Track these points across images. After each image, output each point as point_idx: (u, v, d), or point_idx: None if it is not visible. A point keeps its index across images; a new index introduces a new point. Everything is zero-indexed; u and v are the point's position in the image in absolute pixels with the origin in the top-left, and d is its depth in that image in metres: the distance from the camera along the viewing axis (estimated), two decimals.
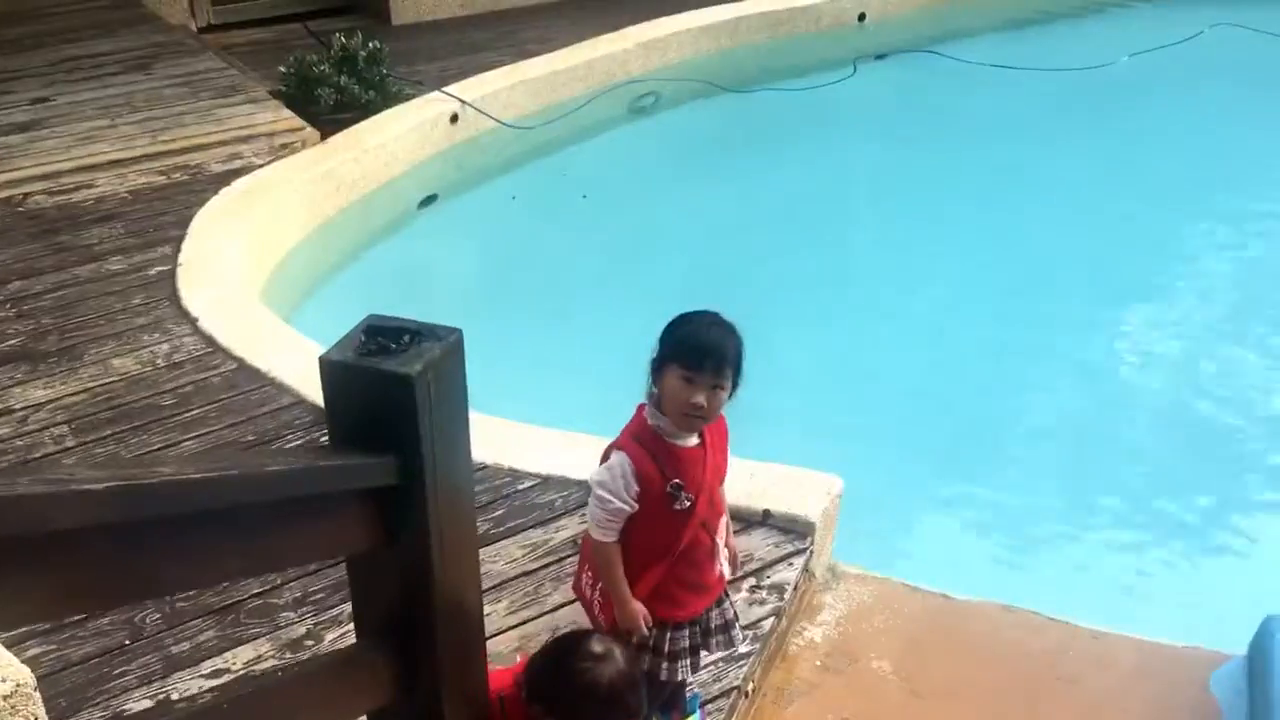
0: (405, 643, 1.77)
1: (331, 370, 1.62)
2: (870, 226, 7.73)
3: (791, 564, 3.69)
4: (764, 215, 7.60)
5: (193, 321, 4.84)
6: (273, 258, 5.94)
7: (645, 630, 2.61)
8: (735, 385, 2.47)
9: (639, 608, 2.59)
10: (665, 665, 2.72)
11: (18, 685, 2.10)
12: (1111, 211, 7.64)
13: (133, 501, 1.15)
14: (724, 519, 2.85)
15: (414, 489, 1.65)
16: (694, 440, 2.58)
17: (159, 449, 4.04)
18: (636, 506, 2.52)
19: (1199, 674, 3.66)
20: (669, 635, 2.71)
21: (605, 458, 2.63)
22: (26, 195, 5.97)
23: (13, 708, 2.07)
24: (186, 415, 4.23)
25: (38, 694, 2.20)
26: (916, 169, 8.32)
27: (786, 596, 3.57)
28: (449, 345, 1.67)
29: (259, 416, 4.23)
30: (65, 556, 1.13)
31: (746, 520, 3.81)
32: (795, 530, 3.80)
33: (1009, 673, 3.67)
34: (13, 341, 4.70)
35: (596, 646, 2.23)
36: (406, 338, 1.67)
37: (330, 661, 2.00)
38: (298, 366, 4.52)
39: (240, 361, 4.56)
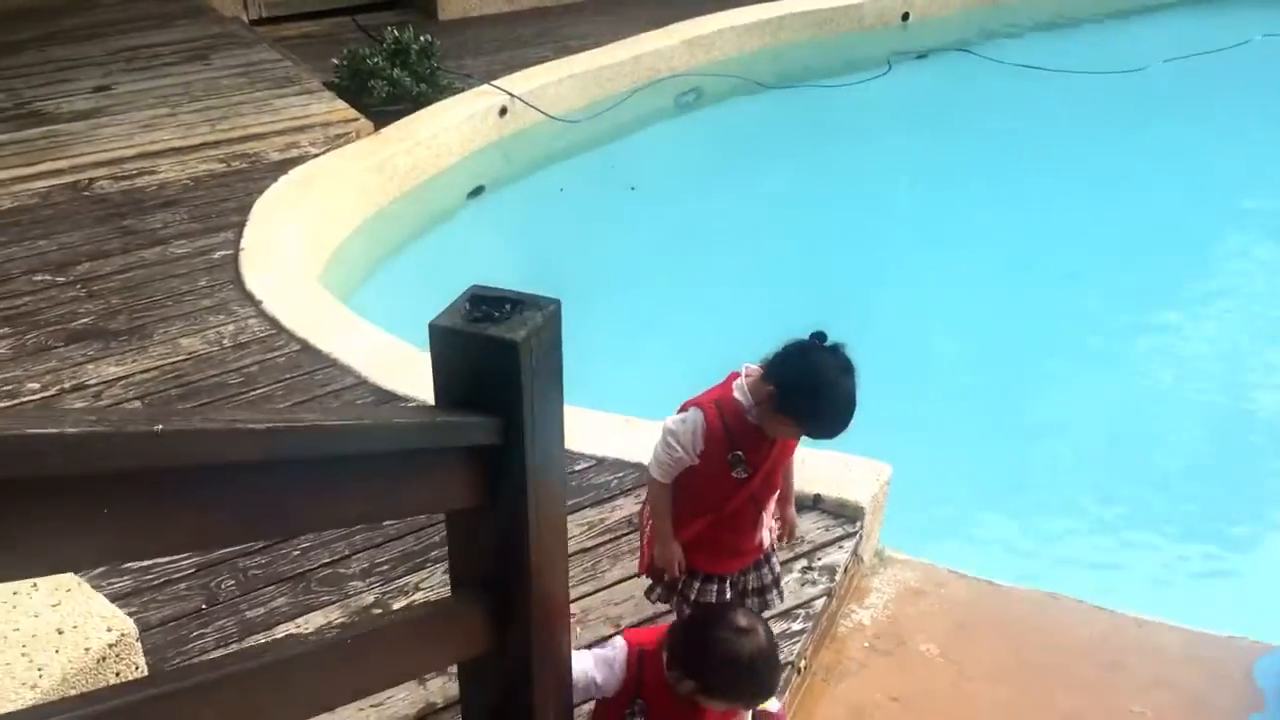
0: (499, 596, 1.86)
1: (441, 335, 1.71)
2: (911, 221, 7.77)
3: (841, 547, 3.76)
4: (806, 208, 7.68)
5: (257, 304, 4.96)
6: (330, 244, 6.06)
7: (676, 571, 2.74)
8: None
9: (676, 550, 2.72)
10: (687, 610, 2.83)
11: (122, 635, 2.22)
12: (1148, 213, 7.66)
13: (284, 441, 1.24)
14: (775, 495, 2.93)
15: (515, 449, 1.74)
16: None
17: None
18: (698, 461, 2.63)
19: (1243, 663, 3.70)
20: (697, 585, 2.84)
21: (683, 409, 2.72)
22: (92, 180, 6.10)
23: (118, 655, 2.19)
24: (253, 393, 4.34)
25: (139, 644, 2.32)
26: (953, 166, 8.38)
27: (837, 578, 3.64)
28: (549, 314, 1.75)
29: (323, 396, 4.33)
30: (222, 491, 1.23)
31: (798, 504, 3.86)
32: (845, 515, 3.87)
33: (1054, 658, 3.72)
34: (85, 320, 4.82)
35: (741, 620, 2.26)
36: (508, 306, 1.76)
37: (431, 610, 2.09)
38: (360, 349, 4.63)
39: (304, 343, 4.67)
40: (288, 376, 4.46)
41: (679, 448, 2.60)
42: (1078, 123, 8.97)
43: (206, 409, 4.23)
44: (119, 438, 1.04)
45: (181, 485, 1.17)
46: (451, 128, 7.31)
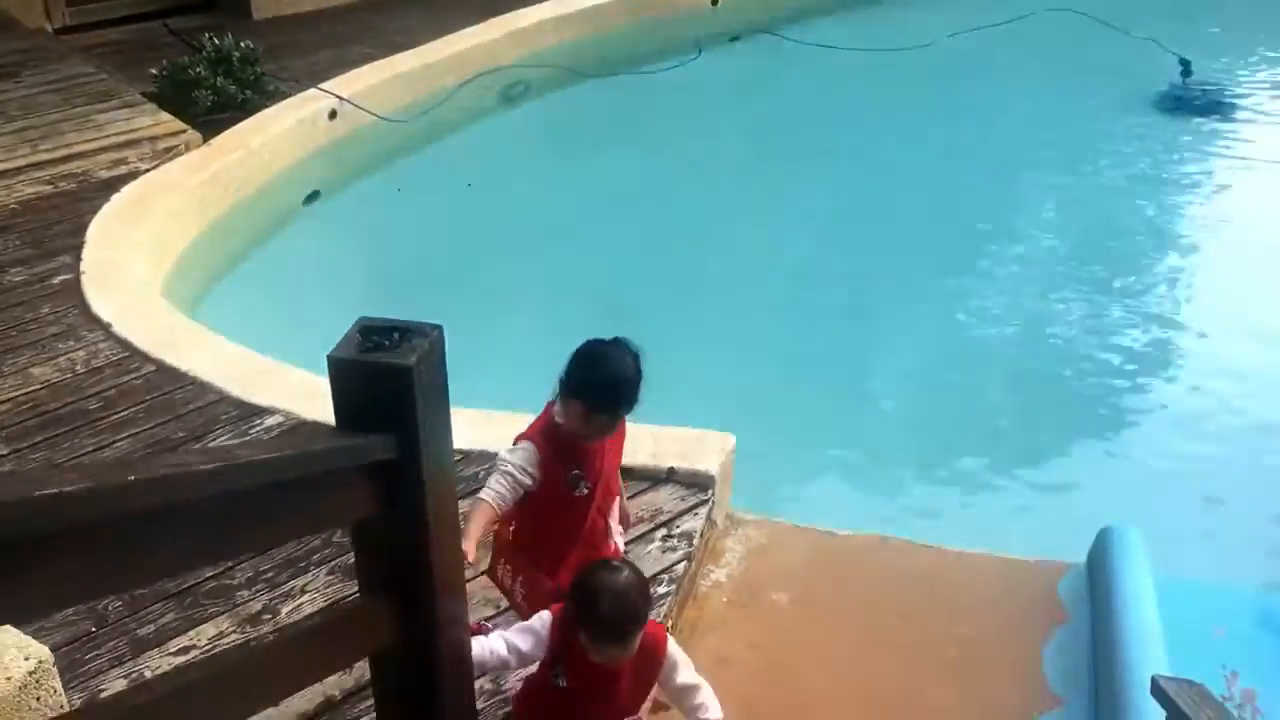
0: (403, 595, 2.06)
1: (339, 366, 1.89)
2: (730, 197, 8.11)
3: (696, 514, 4.06)
4: (633, 193, 7.97)
5: (105, 327, 4.93)
6: (169, 259, 6.03)
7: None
8: (632, 407, 2.80)
9: (472, 552, 2.69)
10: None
11: (39, 662, 2.34)
12: (948, 177, 8.26)
13: (230, 476, 1.43)
14: (617, 500, 3.17)
15: (411, 462, 1.94)
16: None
17: (93, 450, 4.17)
18: (532, 482, 2.77)
19: (1049, 582, 4.18)
20: None
21: (515, 443, 2.90)
22: None
23: (37, 681, 2.31)
24: (115, 417, 4.36)
25: (55, 669, 2.44)
26: (764, 142, 8.84)
27: (694, 543, 3.94)
28: (434, 340, 1.96)
29: (186, 414, 4.39)
30: (180, 524, 1.40)
31: (654, 478, 4.18)
32: (697, 484, 4.18)
33: (888, 593, 4.13)
34: None
35: (614, 563, 2.57)
36: (396, 335, 1.96)
37: (340, 613, 2.27)
38: (215, 364, 4.69)
39: (159, 363, 4.69)
40: (148, 398, 4.49)
41: (514, 471, 2.74)
42: (875, 95, 9.55)
43: (70, 437, 4.24)
44: (103, 489, 1.21)
45: (151, 523, 1.35)
46: (282, 135, 7.30)
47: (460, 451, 4.20)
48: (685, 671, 2.66)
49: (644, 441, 4.28)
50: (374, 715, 3.00)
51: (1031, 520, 4.98)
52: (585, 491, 2.85)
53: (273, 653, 1.96)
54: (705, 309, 6.60)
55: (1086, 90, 9.65)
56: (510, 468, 2.76)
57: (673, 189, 8.02)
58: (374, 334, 1.94)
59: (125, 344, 4.82)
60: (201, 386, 4.56)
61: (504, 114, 9.06)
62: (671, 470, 4.20)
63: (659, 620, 3.54)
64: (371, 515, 1.95)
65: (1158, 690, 2.42)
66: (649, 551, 3.85)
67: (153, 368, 4.68)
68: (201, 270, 6.38)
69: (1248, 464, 5.54)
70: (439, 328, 2.00)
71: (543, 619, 2.58)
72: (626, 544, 3.82)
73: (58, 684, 2.40)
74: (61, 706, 2.44)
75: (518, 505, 2.86)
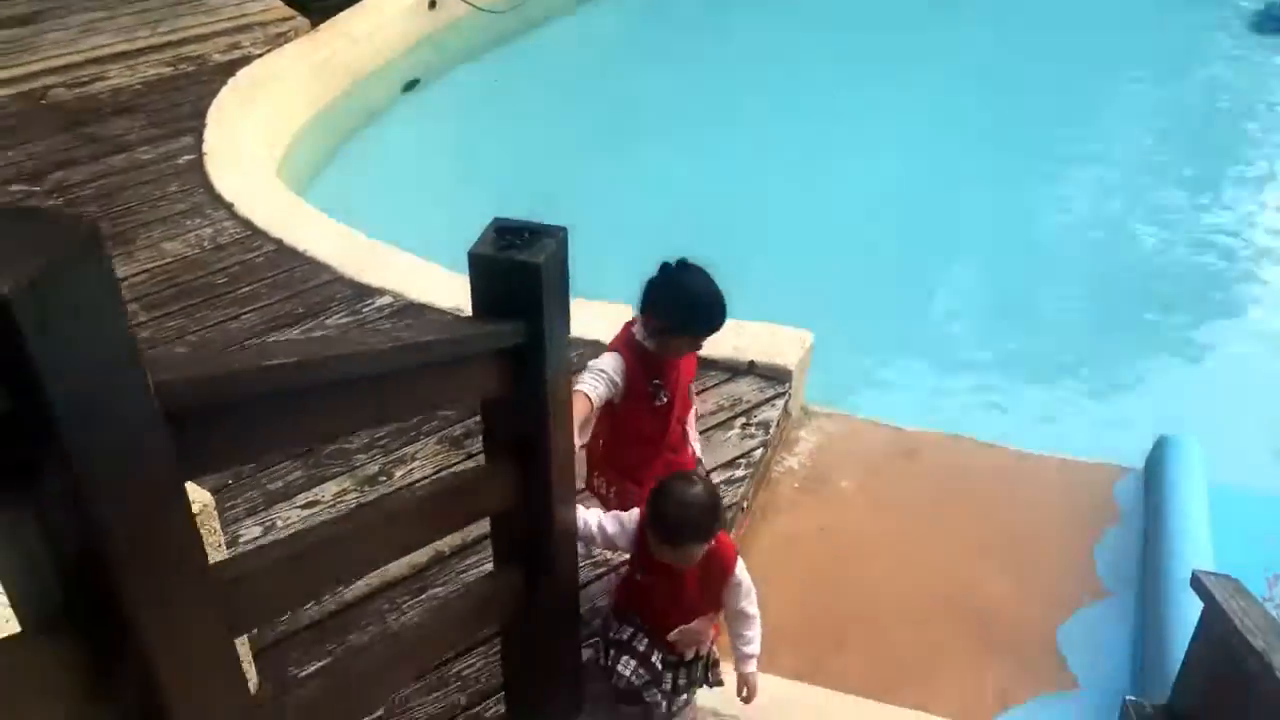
0: (524, 463, 2.33)
1: (479, 261, 2.13)
2: (821, 103, 8.16)
3: (774, 405, 4.30)
4: (722, 94, 8.06)
5: (228, 206, 5.25)
6: (282, 142, 6.32)
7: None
8: (714, 331, 2.94)
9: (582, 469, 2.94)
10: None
11: (204, 505, 2.66)
12: (1033, 85, 8.22)
13: (396, 355, 1.69)
14: (693, 410, 3.30)
15: (537, 348, 2.19)
16: None
17: (222, 322, 4.51)
18: (618, 388, 2.87)
19: (1105, 484, 4.37)
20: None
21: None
22: (47, 89, 6.24)
23: (202, 522, 2.63)
24: (241, 292, 4.69)
25: (215, 510, 2.77)
26: (855, 47, 8.82)
27: (771, 431, 4.19)
28: (560, 240, 2.19)
29: (304, 291, 4.70)
30: (360, 392, 1.67)
31: (735, 370, 4.42)
32: (775, 377, 4.41)
33: (951, 487, 4.35)
34: None
35: (693, 475, 2.66)
36: (527, 234, 2.19)
37: (472, 474, 2.54)
38: (329, 245, 4.99)
39: (279, 243, 5.00)
40: (269, 275, 4.81)
41: (604, 369, 2.85)
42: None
43: (202, 308, 4.59)
44: (309, 362, 1.48)
45: (343, 390, 1.62)
46: (385, 23, 7.51)
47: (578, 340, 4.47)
48: (746, 600, 2.73)
49: (726, 335, 4.45)
50: (473, 570, 3.38)
51: (1094, 424, 5.14)
52: (665, 401, 2.99)
53: (416, 505, 2.21)
54: (788, 212, 6.75)
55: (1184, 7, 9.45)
56: (604, 368, 2.90)
57: (764, 91, 8.08)
58: (508, 233, 2.18)
59: (247, 223, 5.13)
60: (317, 266, 4.86)
61: (598, 8, 9.12)
62: (752, 363, 4.42)
63: (734, 518, 3.82)
64: (502, 393, 2.21)
65: (1196, 583, 2.62)
66: (728, 438, 4.11)
67: (273, 247, 4.99)
68: (311, 153, 6.66)
69: None
70: (564, 229, 2.22)
71: (632, 515, 2.71)
72: (709, 430, 4.11)
73: (217, 525, 2.73)
74: (219, 546, 2.78)
75: (606, 417, 3.02)
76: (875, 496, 4.28)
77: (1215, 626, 2.50)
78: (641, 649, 2.71)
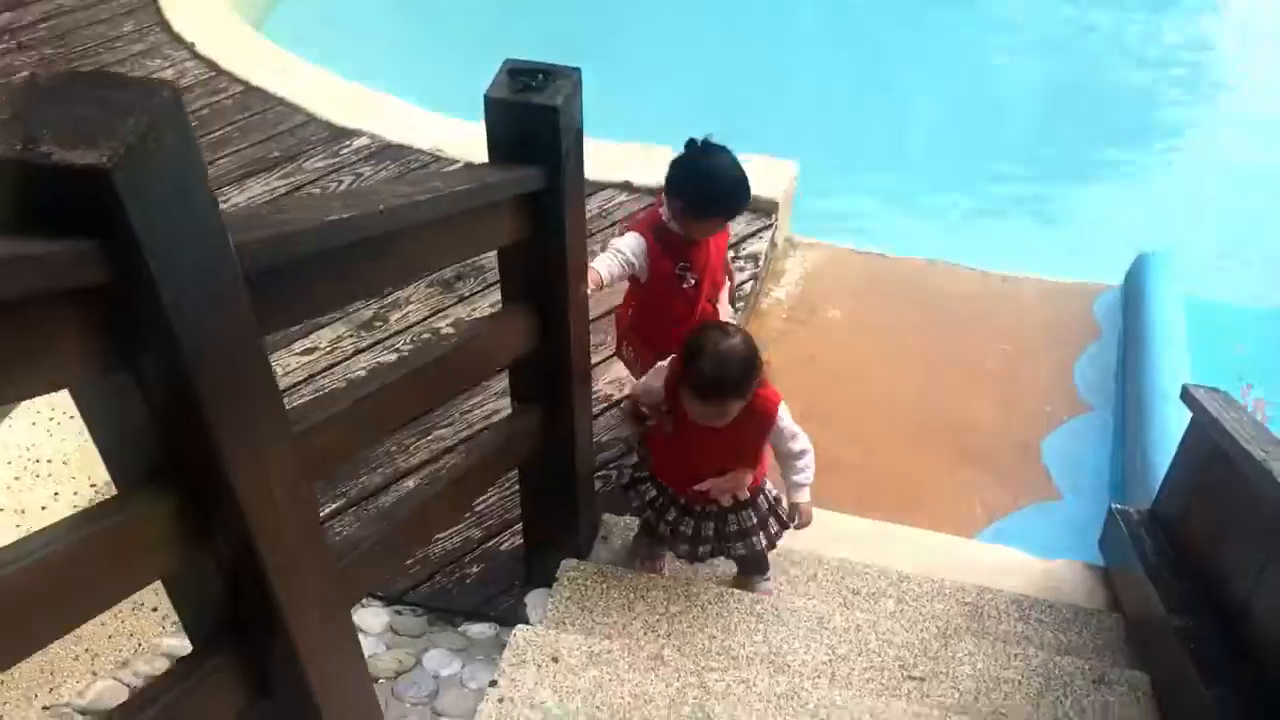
0: (544, 305, 2.35)
1: (495, 105, 2.09)
2: None
3: (761, 237, 4.31)
4: None
5: (189, 46, 5.05)
6: None
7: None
8: (739, 212, 2.87)
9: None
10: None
11: None
12: None
13: (431, 206, 1.67)
14: (727, 288, 3.16)
15: (556, 191, 2.18)
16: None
17: None
18: (637, 269, 2.82)
19: (1085, 301, 4.48)
20: None
21: (624, 232, 2.94)
22: None
23: None
24: (212, 136, 4.56)
25: None
26: None
27: (760, 263, 4.21)
28: (575, 81, 2.14)
29: (279, 134, 4.58)
30: (397, 245, 1.67)
31: None
32: (761, 209, 4.39)
33: (935, 311, 4.43)
34: (24, 74, 4.86)
35: (729, 328, 2.41)
36: (541, 76, 2.14)
37: (492, 318, 2.54)
38: (301, 85, 4.84)
39: (245, 84, 4.83)
40: (240, 118, 4.67)
41: (625, 252, 2.80)
42: None
43: None
44: (363, 217, 1.47)
45: (390, 241, 1.61)
46: None
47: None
48: (793, 441, 2.57)
49: None
50: (476, 410, 3.43)
51: (1074, 245, 5.21)
52: (692, 283, 2.93)
53: (452, 354, 2.21)
54: (767, 48, 6.62)
55: None
56: (622, 249, 2.81)
57: None
58: (522, 75, 2.13)
59: (211, 64, 4.95)
60: (290, 107, 4.72)
61: None
62: None
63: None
64: (523, 238, 2.20)
65: (1188, 396, 2.72)
66: None
67: (240, 88, 4.83)
68: None
69: None
70: (578, 70, 2.17)
71: (661, 366, 2.54)
72: None
73: None
74: None
75: (634, 293, 3.00)
76: (861, 323, 4.35)
77: (1205, 436, 2.62)
78: (671, 516, 2.67)
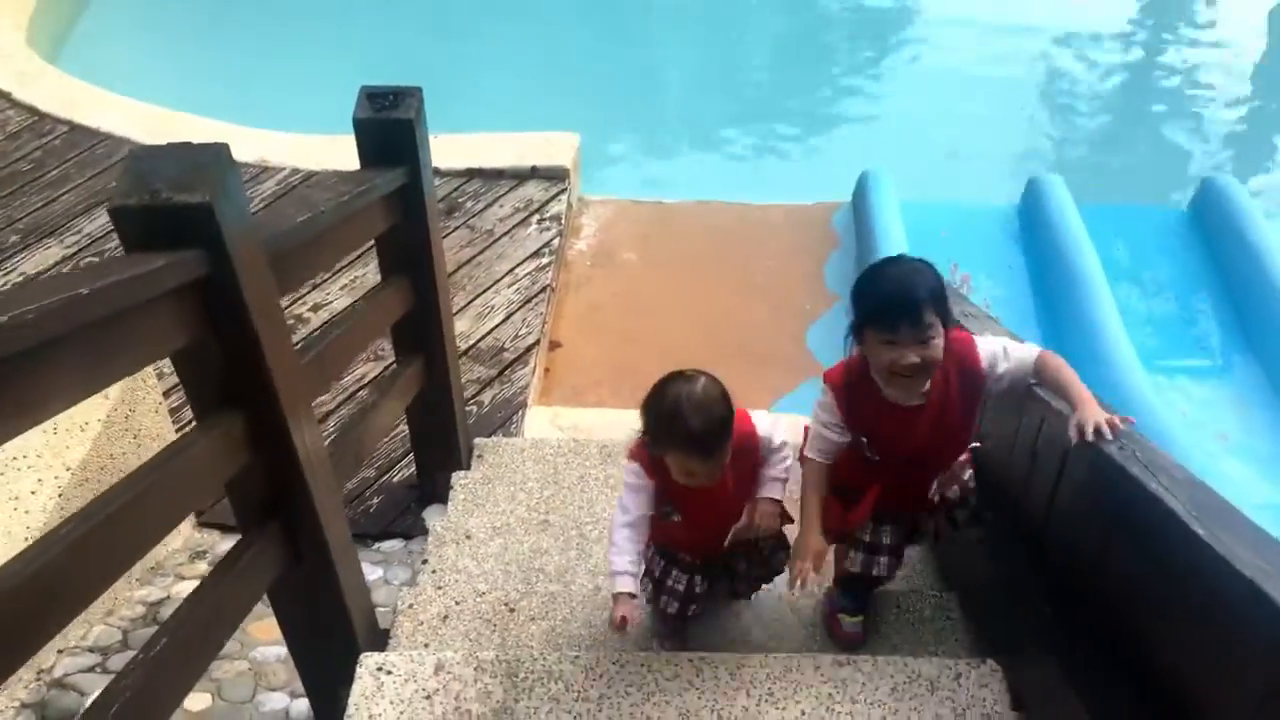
0: (414, 277, 2.94)
1: (364, 124, 2.65)
2: None
3: (559, 200, 4.97)
4: None
5: (6, 95, 5.25)
6: (24, 18, 6.16)
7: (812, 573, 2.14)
8: (947, 322, 1.99)
9: (816, 544, 2.19)
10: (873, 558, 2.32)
11: None
12: None
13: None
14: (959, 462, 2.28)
15: (417, 187, 2.77)
16: (915, 400, 2.08)
17: (45, 205, 4.67)
18: (845, 438, 2.19)
19: (824, 219, 5.35)
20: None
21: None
22: None
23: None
24: (49, 175, 4.83)
25: None
26: None
27: (562, 222, 4.87)
28: (419, 98, 2.73)
29: (113, 166, 4.89)
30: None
31: (521, 175, 5.04)
32: (555, 176, 5.06)
33: (710, 242, 5.20)
34: None
35: (687, 373, 2.02)
36: (393, 97, 2.73)
37: (381, 286, 3.10)
38: (122, 118, 5.15)
39: (70, 123, 5.10)
40: (73, 155, 4.95)
41: (819, 427, 2.23)
42: None
43: (18, 195, 4.72)
44: (331, 211, 2.07)
45: (340, 228, 2.20)
46: None
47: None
48: (777, 434, 2.20)
49: (507, 146, 5.12)
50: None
51: (812, 172, 6.08)
52: (876, 459, 2.18)
53: (367, 315, 2.77)
54: (531, 26, 7.25)
55: None
56: (817, 424, 2.23)
57: None
58: (377, 98, 2.71)
59: (31, 109, 5.18)
60: (117, 140, 5.03)
61: None
62: (534, 168, 5.05)
63: (548, 297, 4.53)
64: (396, 222, 2.80)
65: None
66: (529, 233, 4.77)
67: (65, 128, 5.09)
68: (52, 23, 6.51)
69: (983, 113, 6.80)
70: (419, 89, 2.77)
71: (633, 469, 2.13)
72: (513, 229, 4.76)
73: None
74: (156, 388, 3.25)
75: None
76: (652, 261, 5.08)
77: None
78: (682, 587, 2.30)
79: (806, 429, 2.28)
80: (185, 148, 1.62)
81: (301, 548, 2.07)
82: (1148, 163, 6.59)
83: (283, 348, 1.85)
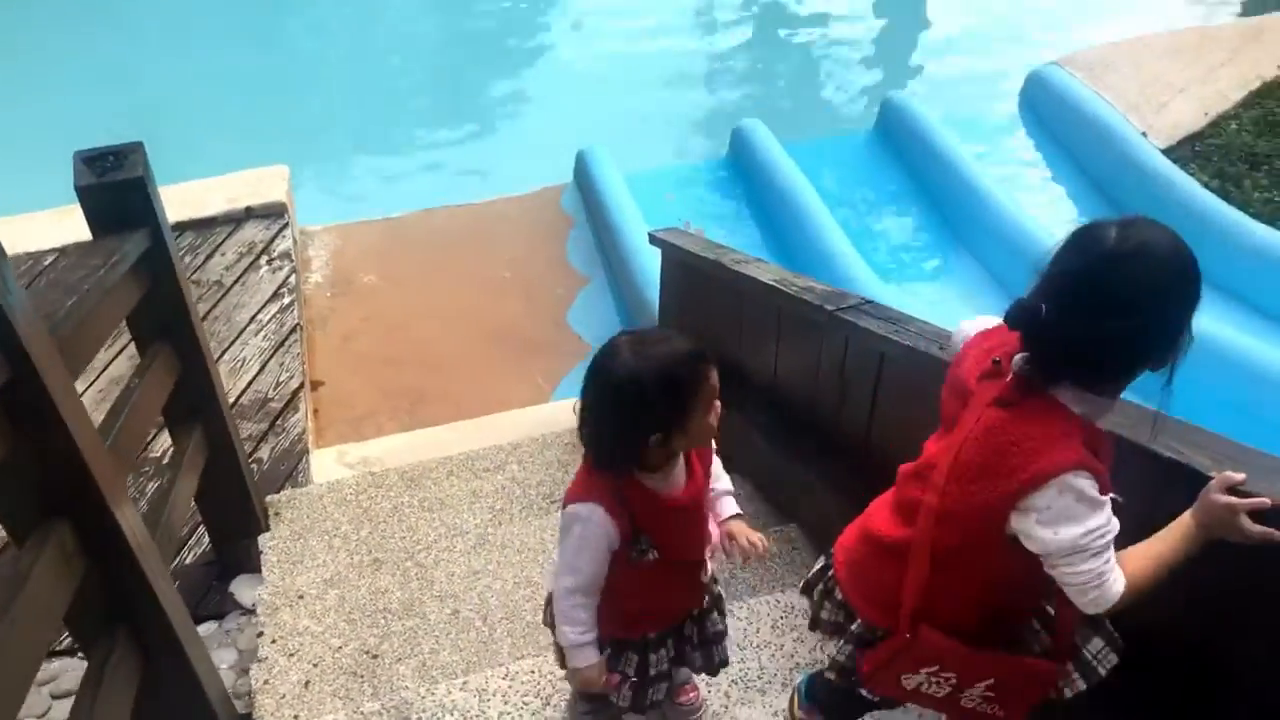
0: (178, 340, 2.74)
1: (89, 191, 2.42)
2: None
3: (284, 236, 4.76)
4: None
5: None
6: None
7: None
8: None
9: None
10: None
11: None
12: None
13: None
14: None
15: (161, 247, 2.57)
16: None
17: None
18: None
19: (553, 202, 5.42)
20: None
21: None
22: None
23: None
24: None
25: None
26: None
27: (292, 258, 4.67)
28: (143, 153, 2.53)
29: None
30: None
31: (236, 219, 4.78)
32: (273, 213, 4.84)
33: (448, 248, 5.15)
34: None
35: (611, 344, 1.61)
36: (113, 157, 2.52)
37: (149, 361, 2.84)
38: None
39: None
40: None
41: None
42: None
43: None
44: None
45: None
46: None
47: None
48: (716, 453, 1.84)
49: (215, 192, 4.85)
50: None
51: (534, 159, 6.06)
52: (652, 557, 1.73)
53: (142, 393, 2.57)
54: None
55: None
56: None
57: None
58: (96, 161, 2.50)
59: None
60: None
61: None
62: (249, 209, 4.81)
63: (299, 338, 4.35)
64: (147, 289, 2.60)
65: (654, 239, 3.64)
66: (261, 276, 4.54)
67: None
68: None
69: (657, 81, 7.07)
70: (140, 143, 2.57)
71: (585, 513, 1.65)
72: (244, 274, 4.52)
73: None
74: None
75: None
76: (394, 279, 4.97)
77: (676, 262, 3.57)
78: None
79: None
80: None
81: (151, 649, 1.92)
82: (822, 95, 7.06)
83: (94, 441, 1.70)
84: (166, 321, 2.73)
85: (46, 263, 4.46)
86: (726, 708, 2.13)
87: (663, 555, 1.70)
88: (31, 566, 1.52)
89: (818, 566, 1.74)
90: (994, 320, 1.51)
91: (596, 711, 2.01)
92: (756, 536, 1.76)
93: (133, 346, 3.88)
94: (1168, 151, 5.06)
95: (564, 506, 1.68)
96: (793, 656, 2.21)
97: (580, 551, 1.67)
